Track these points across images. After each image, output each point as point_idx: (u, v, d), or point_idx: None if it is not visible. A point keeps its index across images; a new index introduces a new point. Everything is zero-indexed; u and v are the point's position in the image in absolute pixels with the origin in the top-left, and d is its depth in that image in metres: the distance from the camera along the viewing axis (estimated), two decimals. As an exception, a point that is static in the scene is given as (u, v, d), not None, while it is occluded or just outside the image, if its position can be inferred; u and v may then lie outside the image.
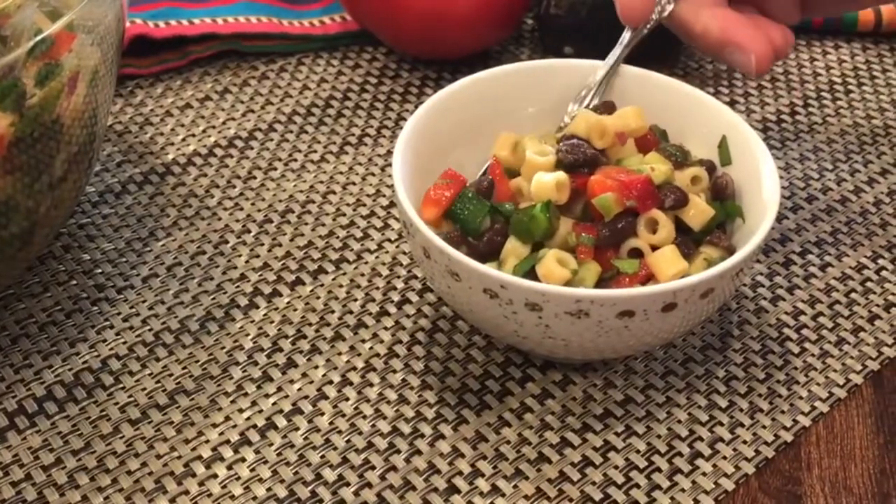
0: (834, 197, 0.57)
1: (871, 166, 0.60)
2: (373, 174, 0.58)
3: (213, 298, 0.51)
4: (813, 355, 0.49)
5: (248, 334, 0.49)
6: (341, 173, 0.58)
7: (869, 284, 0.52)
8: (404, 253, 0.54)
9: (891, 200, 0.57)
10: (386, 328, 0.50)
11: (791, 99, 0.64)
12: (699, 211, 0.44)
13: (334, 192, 0.57)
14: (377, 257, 0.53)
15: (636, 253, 0.43)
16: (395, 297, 0.51)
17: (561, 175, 0.43)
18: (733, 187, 0.47)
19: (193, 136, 0.61)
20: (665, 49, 0.63)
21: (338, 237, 0.54)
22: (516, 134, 0.48)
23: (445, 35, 0.63)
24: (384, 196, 0.57)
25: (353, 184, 0.58)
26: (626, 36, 0.51)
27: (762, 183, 0.45)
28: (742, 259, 0.41)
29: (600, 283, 0.42)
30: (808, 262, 0.54)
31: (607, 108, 0.49)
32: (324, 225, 0.55)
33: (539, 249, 0.43)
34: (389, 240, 0.54)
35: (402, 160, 0.45)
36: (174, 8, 0.68)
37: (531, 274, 0.42)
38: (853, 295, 0.52)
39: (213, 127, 0.61)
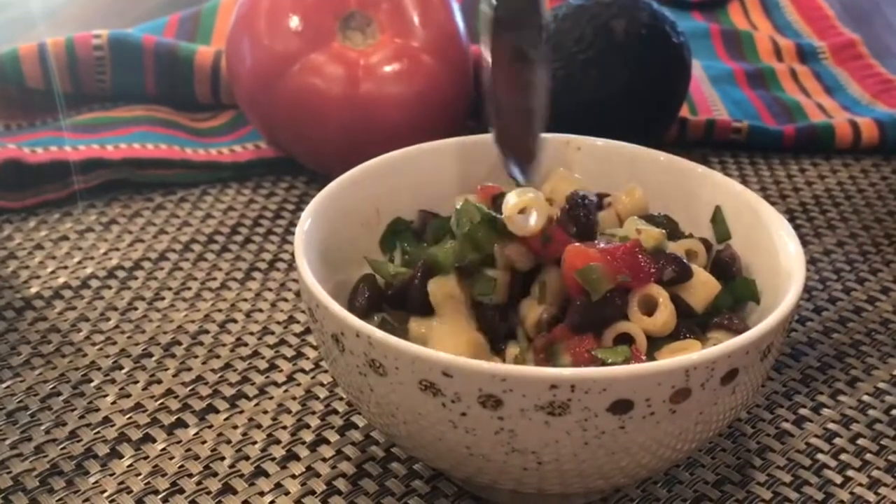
0: (846, 307, 0.47)
1: (882, 274, 0.50)
2: (285, 300, 0.47)
3: (63, 448, 0.38)
4: (861, 485, 0.37)
5: (104, 491, 0.36)
6: (245, 300, 0.47)
7: (911, 401, 0.41)
8: (322, 384, 0.42)
9: (914, 308, 0.47)
10: (294, 476, 0.37)
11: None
12: (703, 285, 0.34)
13: (234, 321, 0.46)
14: (285, 391, 0.41)
15: (621, 342, 0.32)
16: (308, 438, 0.39)
17: (537, 195, 0.33)
18: (740, 263, 0.36)
19: (65, 268, 0.49)
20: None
21: (235, 370, 0.43)
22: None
23: (373, 153, 0.54)
24: (298, 322, 0.46)
25: (260, 311, 0.46)
26: None
27: (778, 252, 0.35)
28: (771, 329, 0.30)
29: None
30: (832, 378, 0.43)
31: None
32: (218, 357, 0.43)
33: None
34: (303, 370, 0.43)
35: (307, 234, 0.35)
36: (57, 138, 0.59)
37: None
38: (895, 412, 0.41)
39: (91, 258, 0.50)
